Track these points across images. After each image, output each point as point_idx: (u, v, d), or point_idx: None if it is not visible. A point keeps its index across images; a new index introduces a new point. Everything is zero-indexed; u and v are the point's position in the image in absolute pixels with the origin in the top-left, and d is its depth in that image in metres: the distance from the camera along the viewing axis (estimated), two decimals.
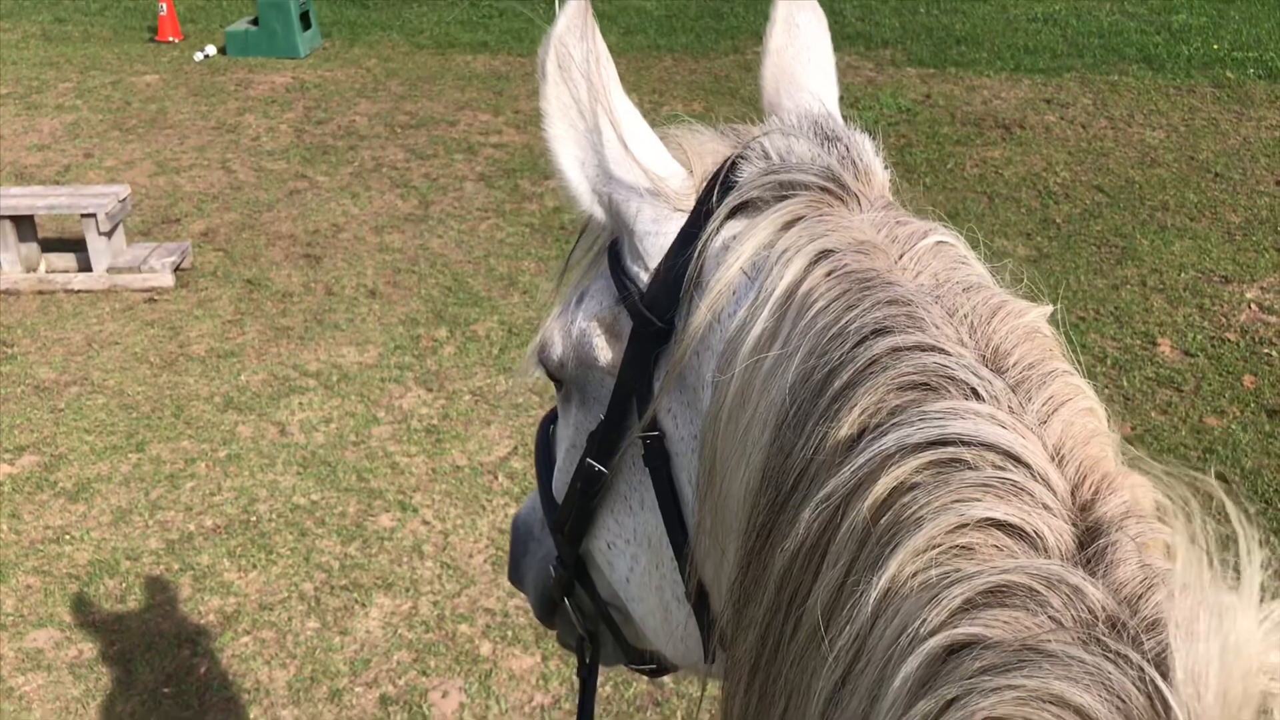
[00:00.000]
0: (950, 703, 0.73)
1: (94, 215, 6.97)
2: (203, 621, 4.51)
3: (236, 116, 10.11)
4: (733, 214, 1.15)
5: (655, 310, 1.19)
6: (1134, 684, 0.69)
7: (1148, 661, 0.70)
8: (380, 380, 6.08)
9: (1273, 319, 6.50)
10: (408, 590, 4.65)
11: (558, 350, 1.34)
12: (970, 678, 0.73)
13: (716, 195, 1.16)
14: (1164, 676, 0.69)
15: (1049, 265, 7.16)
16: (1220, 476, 5.39)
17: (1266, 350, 6.18)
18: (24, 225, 7.17)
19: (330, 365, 6.23)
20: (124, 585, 4.70)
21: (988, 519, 0.81)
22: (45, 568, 4.78)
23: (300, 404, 5.88)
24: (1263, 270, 7.04)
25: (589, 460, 1.31)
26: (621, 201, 1.23)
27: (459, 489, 5.22)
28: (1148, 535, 0.81)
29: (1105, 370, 6.00)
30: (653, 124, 1.30)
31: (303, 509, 5.11)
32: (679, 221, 1.20)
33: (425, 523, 5.02)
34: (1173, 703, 0.68)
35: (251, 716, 4.09)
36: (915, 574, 0.81)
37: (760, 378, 1.02)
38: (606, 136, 1.21)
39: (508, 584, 4.65)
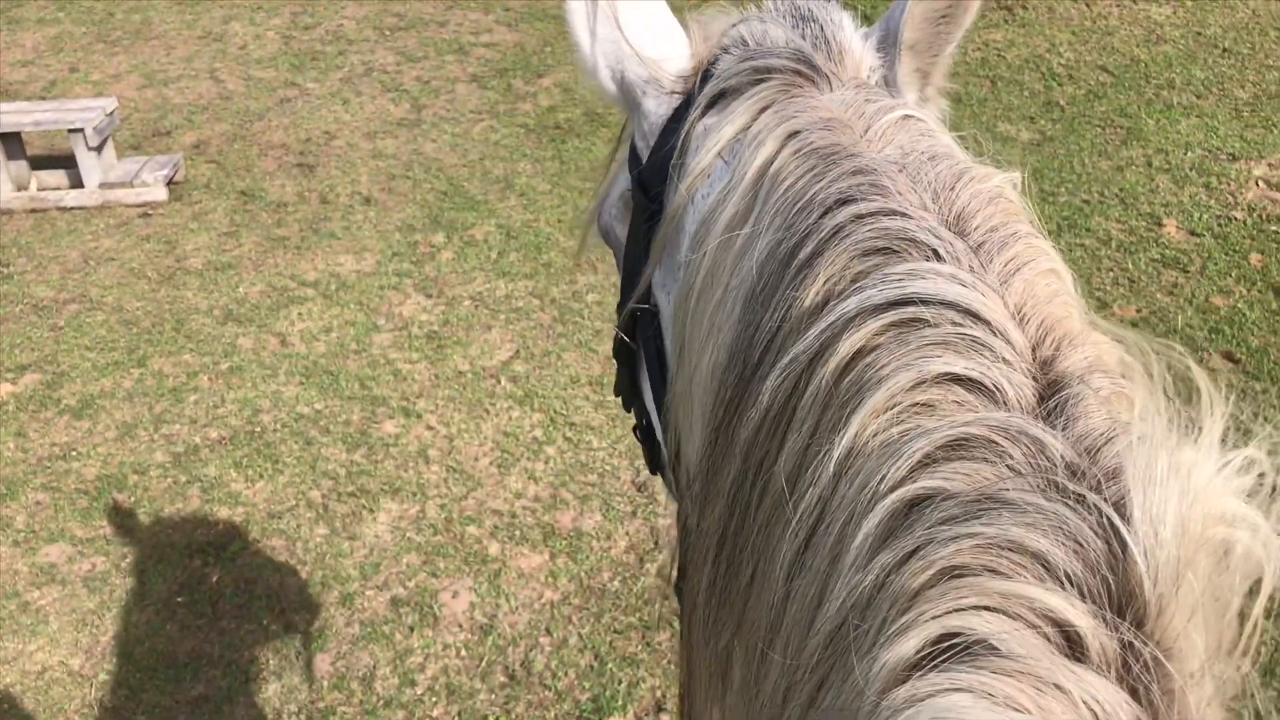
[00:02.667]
0: (910, 554, 0.73)
1: (81, 130, 6.87)
2: (212, 532, 4.55)
3: (222, 25, 9.91)
4: (713, 102, 1.19)
5: (648, 188, 1.27)
6: (1091, 528, 0.69)
7: (1106, 505, 0.69)
8: (379, 288, 6.04)
9: None
10: (414, 495, 4.68)
11: (603, 219, 1.46)
12: (929, 528, 0.73)
13: (698, 84, 1.22)
14: (1122, 520, 0.69)
15: (1053, 148, 7.05)
16: (1227, 355, 5.38)
17: (1274, 228, 6.09)
18: (12, 143, 7.08)
19: (328, 274, 6.18)
20: (133, 499, 4.72)
21: (947, 374, 0.81)
22: (54, 484, 4.81)
23: (300, 314, 5.85)
24: (1271, 147, 6.92)
25: (618, 330, 1.40)
26: (631, 82, 1.31)
27: (462, 394, 5.22)
28: (1110, 389, 0.80)
29: (1110, 253, 5.93)
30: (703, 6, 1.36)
31: (307, 418, 5.12)
32: (674, 104, 1.27)
33: (430, 428, 5.03)
34: (1130, 543, 0.68)
35: (264, 622, 4.14)
36: (876, 433, 0.81)
37: (731, 256, 1.04)
38: (603, 16, 1.28)
39: (514, 485, 4.68)
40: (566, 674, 3.91)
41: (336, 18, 9.97)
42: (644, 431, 1.51)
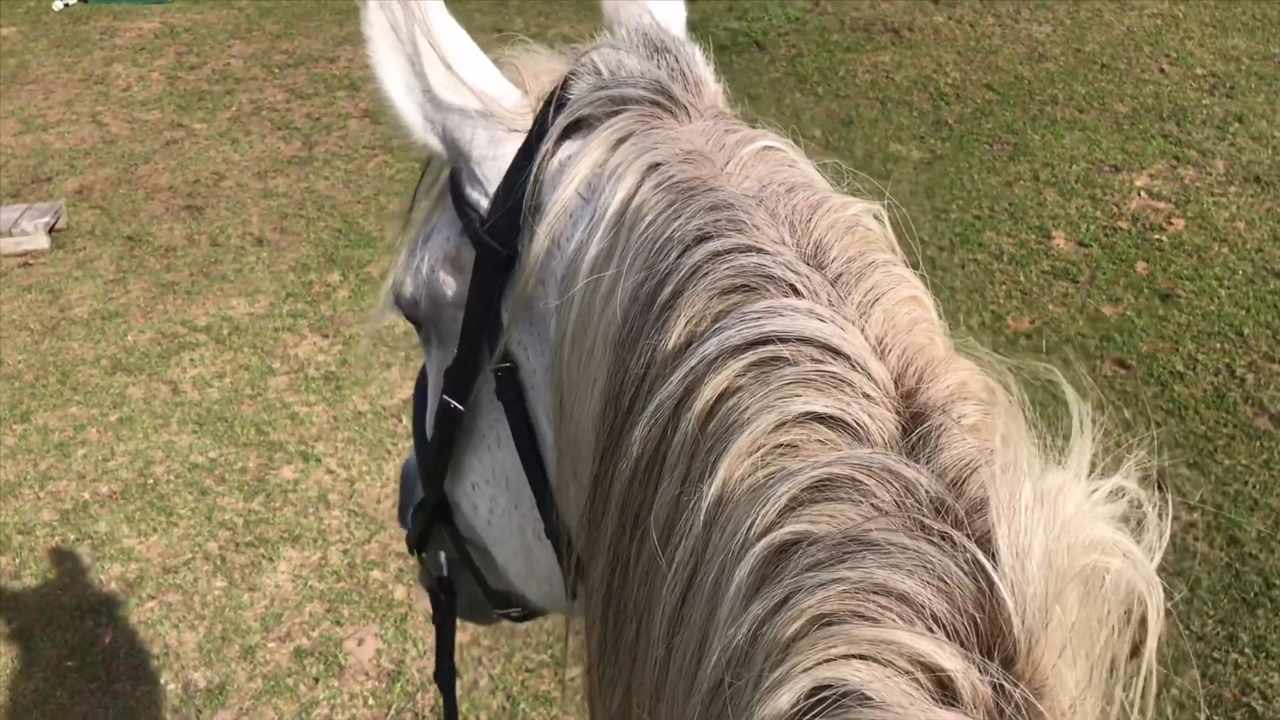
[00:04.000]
0: (780, 604, 0.71)
1: None
2: (104, 590, 4.37)
3: (104, 67, 9.67)
4: (566, 133, 1.14)
5: (497, 237, 1.17)
6: (957, 565, 0.67)
7: (971, 541, 0.68)
8: (274, 330, 5.90)
9: (1162, 205, 6.60)
10: (316, 541, 4.55)
11: (409, 290, 1.33)
12: (796, 576, 0.71)
13: (551, 114, 1.14)
14: (988, 555, 0.67)
15: (943, 166, 7.18)
16: (1119, 362, 5.51)
17: (1157, 236, 6.27)
18: None
19: (220, 318, 6.02)
20: (18, 561, 4.52)
21: (808, 413, 0.79)
22: None
23: (191, 360, 5.69)
24: (1151, 158, 7.13)
25: (445, 397, 1.27)
26: (455, 127, 1.20)
27: (362, 435, 5.11)
28: (974, 418, 0.79)
29: (1003, 266, 6.04)
30: (512, 43, 1.27)
31: (201, 467, 4.96)
32: (515, 143, 1.18)
33: (330, 472, 4.91)
34: (996, 580, 0.66)
35: (162, 681, 3.98)
36: (743, 478, 0.79)
37: (599, 299, 1.00)
38: (428, 60, 1.17)
39: None
40: (478, 717, 3.82)
41: (223, 56, 9.79)
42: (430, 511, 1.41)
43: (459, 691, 3.87)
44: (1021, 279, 5.92)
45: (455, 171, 1.23)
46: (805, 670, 0.68)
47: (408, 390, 5.37)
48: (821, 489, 0.75)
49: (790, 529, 0.74)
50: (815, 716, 0.67)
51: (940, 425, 0.77)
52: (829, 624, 0.69)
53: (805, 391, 0.80)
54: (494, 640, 4.08)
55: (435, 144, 1.21)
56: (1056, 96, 8.09)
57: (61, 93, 9.17)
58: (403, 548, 4.46)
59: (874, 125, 7.82)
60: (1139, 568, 0.72)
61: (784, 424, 0.80)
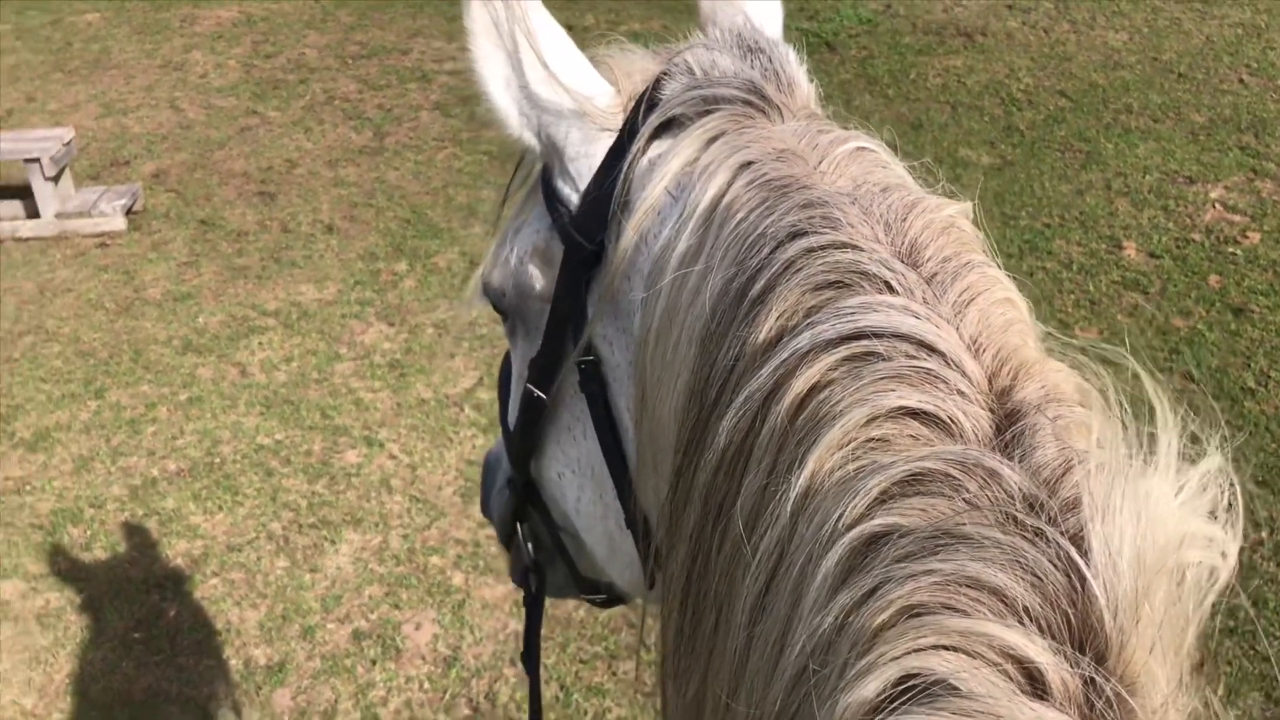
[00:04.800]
0: (868, 593, 0.72)
1: (38, 160, 6.79)
2: (170, 565, 4.47)
3: (183, 54, 9.86)
4: (657, 132, 1.14)
5: (585, 233, 1.18)
6: (1050, 561, 0.68)
7: (1064, 538, 0.68)
8: (341, 316, 5.99)
9: (1237, 218, 6.48)
10: (377, 525, 4.62)
11: (497, 280, 1.35)
12: (886, 566, 0.72)
13: (641, 114, 1.15)
14: (1080, 552, 0.67)
15: (1014, 173, 7.10)
16: (1187, 376, 5.42)
17: (1231, 249, 6.16)
18: None
19: (289, 303, 6.12)
20: (89, 533, 4.63)
21: (901, 408, 0.79)
22: (7, 519, 4.71)
23: (260, 344, 5.79)
24: (1227, 169, 7.00)
25: (530, 387, 1.30)
26: (549, 124, 1.21)
27: (425, 422, 5.17)
28: (1067, 418, 0.79)
29: (1071, 275, 5.97)
30: (608, 42, 1.29)
31: (267, 449, 5.05)
32: (607, 141, 1.19)
33: (392, 457, 4.97)
34: (1088, 576, 0.67)
35: (224, 657, 4.06)
36: (832, 471, 0.80)
37: (686, 294, 1.01)
38: (526, 57, 1.19)
39: (478, 515, 4.62)
40: None
41: (298, 46, 9.94)
42: (521, 500, 1.44)
43: (514, 679, 3.92)
44: (1090, 288, 5.85)
45: (548, 167, 1.25)
46: (894, 659, 0.68)
47: (470, 380, 5.43)
48: (913, 483, 0.75)
49: (880, 521, 0.75)
50: (902, 704, 0.67)
51: (1034, 424, 0.77)
52: (918, 614, 0.69)
53: (899, 387, 0.80)
54: (549, 630, 4.11)
55: (530, 139, 1.23)
56: (1131, 105, 7.97)
57: (141, 78, 9.36)
58: (461, 535, 4.51)
59: (944, 129, 7.76)
60: (1225, 553, 0.72)
61: (876, 418, 0.80)
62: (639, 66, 1.24)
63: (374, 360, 5.61)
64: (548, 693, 3.88)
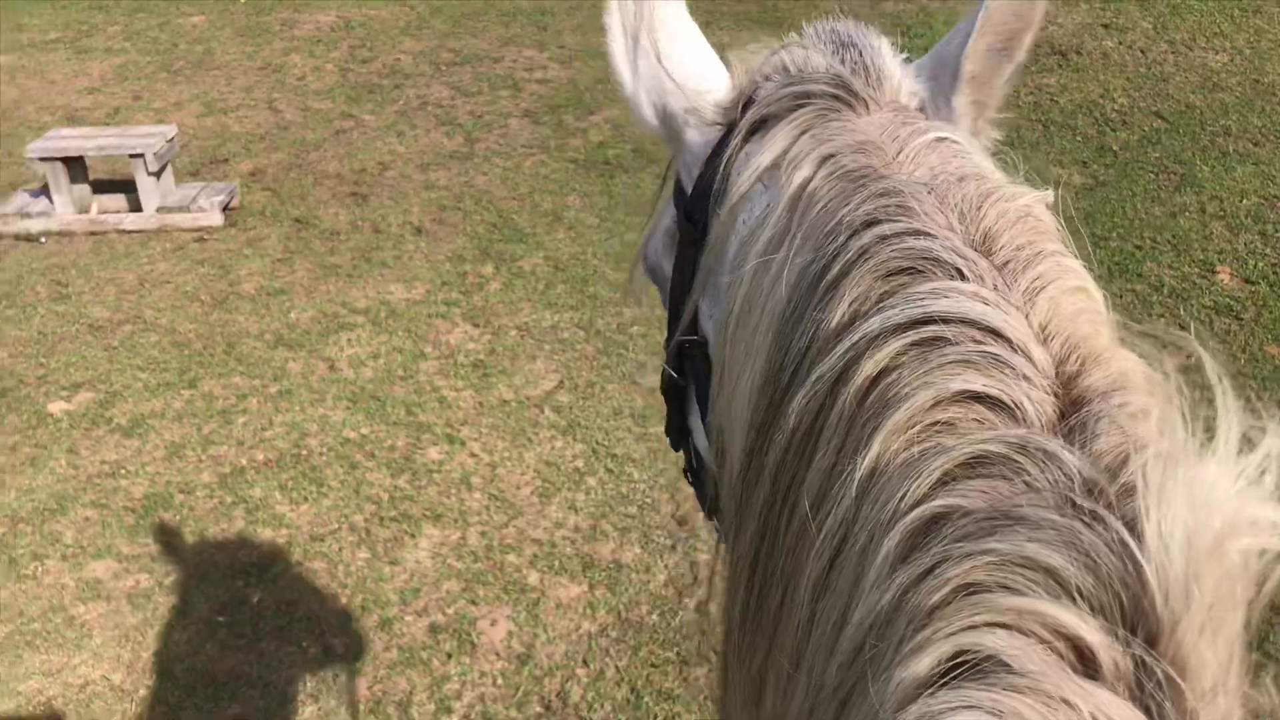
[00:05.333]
0: (926, 572, 0.73)
1: (142, 155, 7.02)
2: (255, 553, 4.59)
3: (282, 56, 10.11)
4: (755, 128, 1.20)
5: (692, 218, 1.29)
6: (1105, 544, 0.68)
7: (1120, 523, 0.69)
8: (427, 316, 6.10)
9: None
10: (456, 521, 4.69)
11: (649, 259, 1.48)
12: (945, 546, 0.73)
13: (740, 110, 1.23)
14: (1135, 536, 0.68)
15: (1105, 193, 6.99)
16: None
17: None
18: (75, 167, 7.24)
19: (378, 302, 6.25)
20: (178, 518, 4.78)
21: (967, 392, 0.81)
22: (102, 501, 4.87)
23: (349, 340, 5.92)
24: None
25: (665, 367, 1.42)
26: (671, 116, 1.34)
27: (506, 422, 5.24)
28: (1133, 407, 0.80)
29: (1162, 299, 5.87)
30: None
31: (352, 443, 5.16)
32: (716, 135, 1.28)
33: (473, 455, 5.05)
34: (1142, 561, 0.67)
35: (303, 644, 4.16)
36: (897, 452, 0.82)
37: (767, 280, 1.05)
38: (649, 55, 1.31)
39: (555, 515, 4.69)
40: (602, 706, 3.89)
41: (394, 52, 10.13)
42: (693, 473, 1.51)
43: (586, 679, 3.96)
44: (1181, 313, 5.74)
45: (674, 157, 1.37)
46: (948, 636, 0.69)
47: (551, 382, 5.49)
48: (975, 465, 0.77)
49: (941, 502, 0.76)
50: (954, 680, 0.68)
51: (1099, 412, 0.78)
52: (974, 593, 0.70)
53: (965, 371, 0.82)
54: (622, 633, 4.15)
55: (657, 125, 1.35)
56: (1230, 128, 7.80)
57: (242, 79, 9.62)
58: (538, 534, 4.57)
59: (1035, 148, 7.66)
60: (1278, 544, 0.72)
61: (941, 401, 0.82)
62: (759, 61, 1.30)
63: (458, 360, 5.71)
64: (618, 694, 3.91)
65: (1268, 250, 6.28)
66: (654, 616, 4.22)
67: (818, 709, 0.84)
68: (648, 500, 4.76)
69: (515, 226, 7.00)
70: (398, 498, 4.82)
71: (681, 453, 1.54)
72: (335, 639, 4.19)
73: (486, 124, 8.59)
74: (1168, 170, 7.27)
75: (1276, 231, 6.45)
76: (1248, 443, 0.76)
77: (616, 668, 4.02)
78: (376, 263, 6.67)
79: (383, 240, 6.93)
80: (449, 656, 4.10)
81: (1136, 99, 8.37)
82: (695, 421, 1.42)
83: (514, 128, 8.50)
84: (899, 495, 0.78)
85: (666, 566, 4.44)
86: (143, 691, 4.01)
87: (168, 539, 4.68)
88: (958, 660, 0.69)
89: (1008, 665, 0.67)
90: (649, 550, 4.51)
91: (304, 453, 5.11)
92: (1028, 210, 0.98)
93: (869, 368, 0.86)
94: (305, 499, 4.84)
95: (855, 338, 0.88)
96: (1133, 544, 0.68)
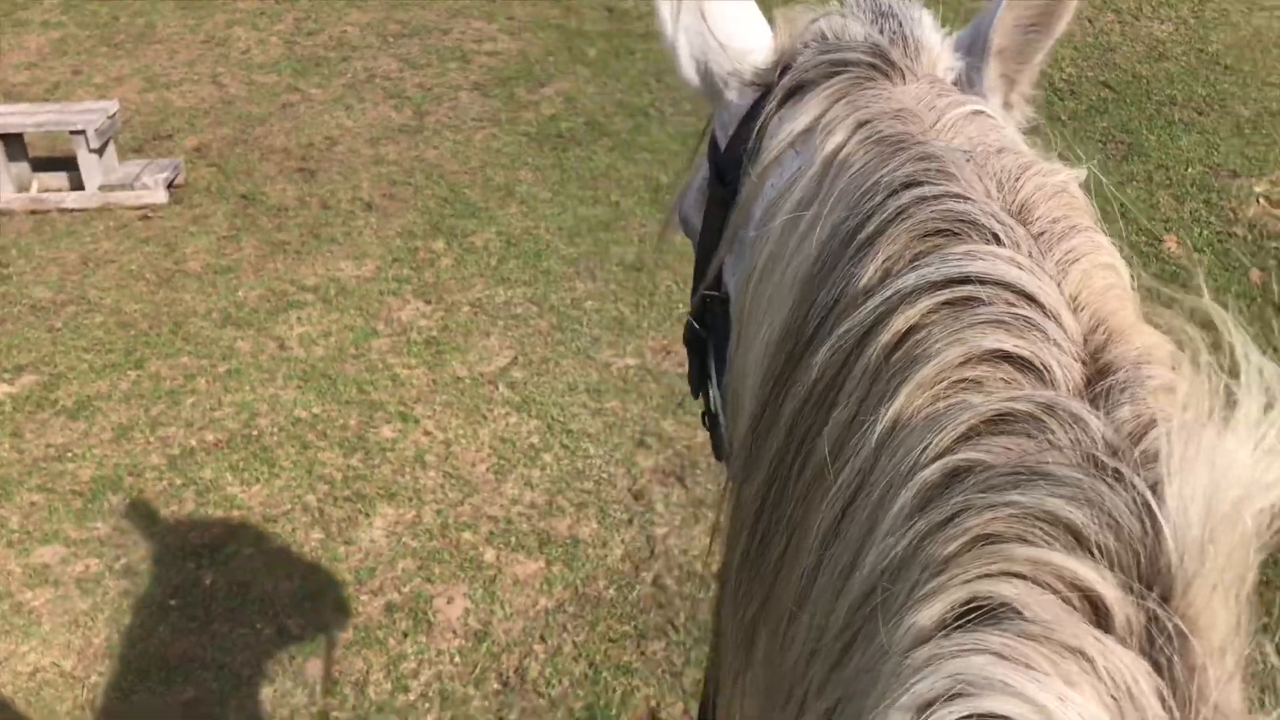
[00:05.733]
0: (945, 521, 0.74)
1: (83, 132, 6.87)
2: (207, 535, 4.53)
3: (226, 29, 9.91)
4: (789, 94, 1.23)
5: (723, 177, 1.33)
6: (1126, 504, 0.70)
7: (1143, 484, 0.70)
8: (378, 293, 6.04)
9: None
10: (411, 500, 4.66)
11: (684, 211, 1.52)
12: (966, 496, 0.74)
13: (778, 76, 1.26)
14: (1156, 498, 0.70)
15: (1054, 163, 7.03)
16: (1229, 371, 5.36)
17: (1274, 245, 6.09)
18: (14, 144, 7.08)
19: (328, 279, 6.18)
20: (127, 501, 4.71)
21: (997, 351, 0.82)
22: (49, 485, 4.79)
23: (299, 318, 5.84)
24: (1272, 164, 6.92)
25: (689, 318, 1.47)
26: (712, 75, 1.38)
27: (460, 399, 5.21)
28: (1158, 379, 0.81)
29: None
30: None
31: (304, 422, 5.10)
32: (753, 97, 1.32)
33: (427, 433, 5.01)
34: (1162, 521, 0.69)
35: (257, 626, 4.13)
36: (922, 407, 0.83)
37: (795, 237, 1.07)
38: (694, 14, 1.36)
39: (510, 492, 4.67)
40: (560, 682, 3.89)
41: (340, 24, 9.97)
42: (711, 419, 1.55)
43: (543, 655, 3.95)
44: (1129, 281, 5.79)
45: (712, 115, 1.41)
46: (963, 582, 0.71)
47: (505, 358, 5.46)
48: (1001, 422, 0.78)
49: (964, 455, 0.77)
50: (967, 625, 0.69)
51: (1125, 381, 0.80)
52: (992, 542, 0.71)
53: (996, 331, 0.83)
54: (579, 608, 4.15)
55: (697, 82, 1.39)
56: (1175, 97, 7.88)
57: (184, 53, 9.43)
58: (494, 511, 4.55)
59: None
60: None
61: (971, 359, 0.83)
62: (802, 25, 1.33)
63: (410, 337, 5.66)
64: (576, 669, 3.92)
65: (1212, 219, 6.36)
66: (611, 591, 4.22)
67: (820, 653, 0.85)
68: (604, 475, 4.75)
69: (466, 201, 6.94)
70: (351, 477, 4.78)
71: (701, 399, 1.58)
72: (290, 620, 4.16)
73: (436, 97, 8.49)
74: (1115, 140, 7.34)
75: (1221, 201, 6.53)
76: (1268, 411, 0.78)
77: (574, 643, 4.02)
78: (326, 239, 6.58)
79: (332, 216, 6.84)
80: (405, 635, 4.08)
81: (1084, 69, 8.43)
82: (713, 372, 1.46)
83: (464, 101, 8.41)
84: (921, 447, 0.80)
85: (623, 541, 4.44)
86: (94, 678, 3.96)
87: (117, 522, 4.61)
88: (972, 607, 0.70)
89: (1021, 613, 0.68)
90: (605, 525, 4.51)
91: (254, 433, 5.05)
92: (1064, 186, 1.00)
93: (899, 323, 0.87)
94: (257, 479, 4.78)
95: (888, 294, 0.89)
96: (1154, 504, 0.69)
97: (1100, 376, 0.81)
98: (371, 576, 4.32)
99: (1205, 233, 6.22)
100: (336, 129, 8.01)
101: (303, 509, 4.63)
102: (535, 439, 4.96)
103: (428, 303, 5.93)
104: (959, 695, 0.65)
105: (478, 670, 3.94)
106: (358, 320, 5.81)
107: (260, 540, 4.49)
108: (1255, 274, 5.84)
